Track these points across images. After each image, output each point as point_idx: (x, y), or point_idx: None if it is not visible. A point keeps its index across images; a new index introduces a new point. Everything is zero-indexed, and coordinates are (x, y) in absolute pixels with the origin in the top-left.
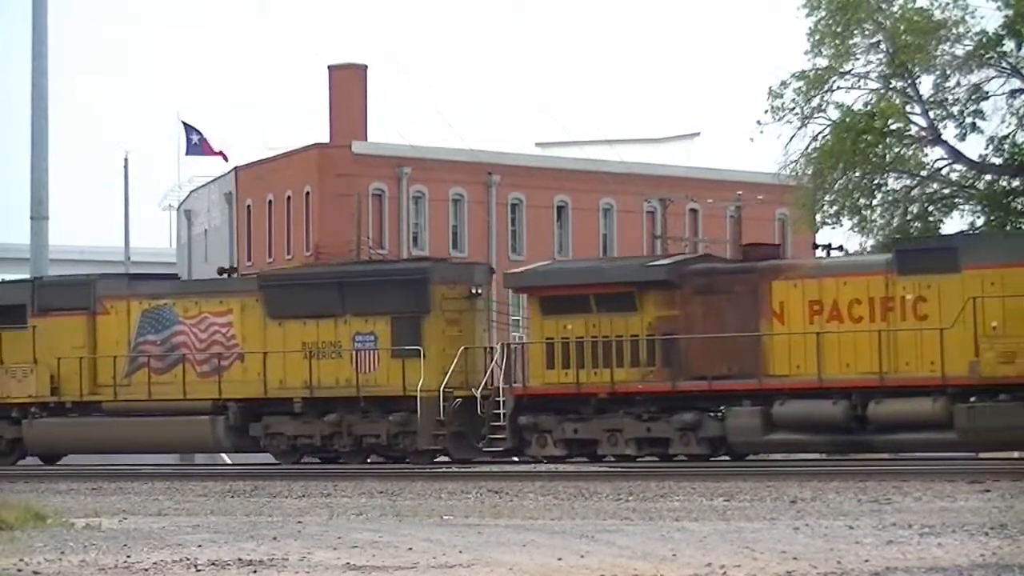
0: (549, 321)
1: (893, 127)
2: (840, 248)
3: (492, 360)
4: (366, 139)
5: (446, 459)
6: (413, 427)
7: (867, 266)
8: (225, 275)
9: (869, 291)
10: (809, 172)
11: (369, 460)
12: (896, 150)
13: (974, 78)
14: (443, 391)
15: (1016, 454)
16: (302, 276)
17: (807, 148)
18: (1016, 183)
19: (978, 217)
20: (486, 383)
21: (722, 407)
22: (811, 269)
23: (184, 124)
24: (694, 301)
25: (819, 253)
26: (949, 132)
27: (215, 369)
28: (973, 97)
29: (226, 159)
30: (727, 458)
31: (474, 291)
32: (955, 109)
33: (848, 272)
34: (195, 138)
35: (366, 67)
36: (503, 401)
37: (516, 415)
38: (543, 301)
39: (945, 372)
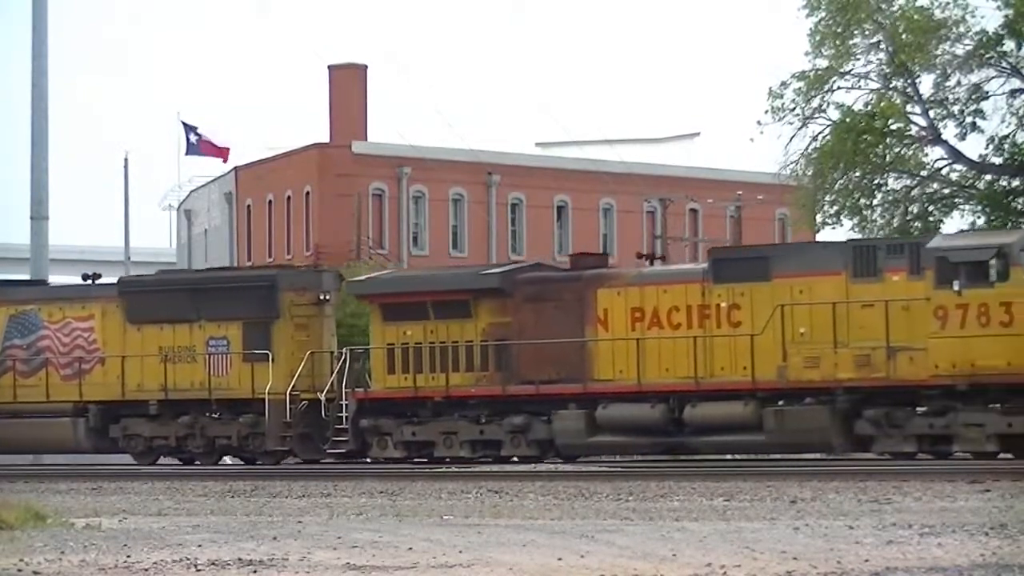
0: (390, 327)
1: (893, 127)
2: (662, 258)
3: (337, 364)
4: (366, 139)
5: (448, 459)
6: (262, 428)
7: (685, 275)
8: (89, 281)
9: (687, 299)
10: (809, 172)
11: (222, 459)
12: (896, 150)
13: (974, 78)
14: (290, 394)
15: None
16: (159, 283)
17: (807, 148)
18: (1016, 183)
19: (978, 217)
20: (331, 386)
21: (550, 411)
22: (633, 278)
23: (184, 124)
24: (525, 308)
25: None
26: (949, 132)
27: (77, 372)
28: (973, 97)
29: (225, 160)
30: (729, 458)
31: (322, 297)
32: (955, 109)
33: (667, 280)
34: (194, 139)
35: (366, 67)
36: (346, 404)
37: (358, 418)
38: (384, 308)
39: (756, 376)
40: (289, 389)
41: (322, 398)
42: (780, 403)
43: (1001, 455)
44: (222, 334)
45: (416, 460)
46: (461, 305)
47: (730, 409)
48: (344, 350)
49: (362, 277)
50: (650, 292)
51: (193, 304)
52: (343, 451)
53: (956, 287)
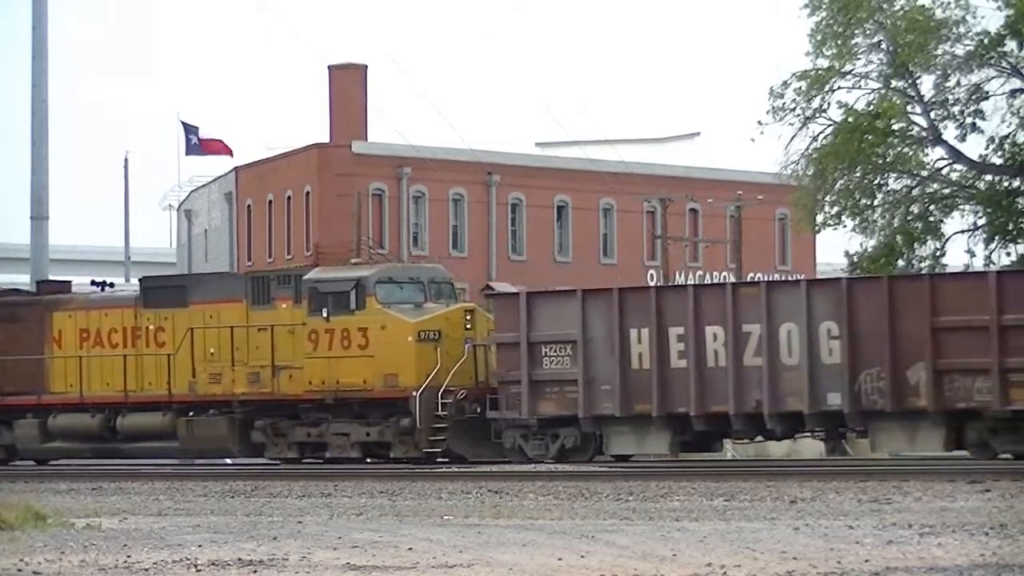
0: None
1: (895, 127)
2: (111, 284)
3: None
4: (366, 139)
5: (447, 459)
6: None
7: (122, 300)
8: None
9: (123, 322)
10: (810, 173)
11: None
12: (898, 150)
13: (975, 78)
14: None
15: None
16: None
17: (808, 148)
18: (1016, 183)
19: (980, 217)
20: None
21: (13, 419)
22: (82, 302)
23: (184, 124)
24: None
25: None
26: (949, 132)
27: None
28: (973, 97)
29: (231, 155)
30: (730, 458)
31: None
32: (955, 109)
33: (109, 305)
34: (194, 139)
35: (366, 67)
36: None
37: None
38: None
39: (172, 391)
40: None
41: None
42: (191, 414)
43: (370, 460)
44: None
45: None
46: None
47: (152, 419)
48: None
49: None
50: (95, 315)
51: None
52: None
53: (325, 314)
